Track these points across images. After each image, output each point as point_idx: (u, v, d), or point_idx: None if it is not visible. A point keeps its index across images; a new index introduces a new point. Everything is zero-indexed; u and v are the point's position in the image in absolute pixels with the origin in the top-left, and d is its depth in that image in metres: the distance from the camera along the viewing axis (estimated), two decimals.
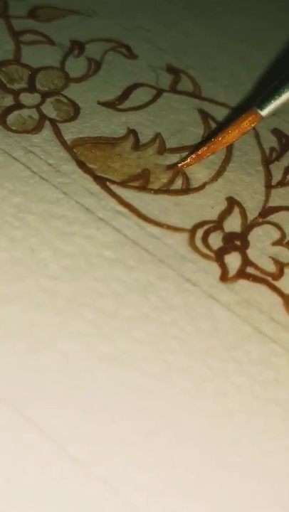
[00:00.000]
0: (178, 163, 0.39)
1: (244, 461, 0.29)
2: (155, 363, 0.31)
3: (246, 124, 0.38)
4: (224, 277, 0.34)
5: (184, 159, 0.39)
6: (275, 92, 0.37)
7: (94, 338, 0.31)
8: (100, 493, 0.28)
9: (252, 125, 0.38)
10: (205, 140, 0.40)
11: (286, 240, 0.36)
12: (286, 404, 0.31)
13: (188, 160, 0.38)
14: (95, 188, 0.37)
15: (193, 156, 0.38)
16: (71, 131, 0.39)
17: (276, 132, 0.41)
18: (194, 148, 0.39)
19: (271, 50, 0.46)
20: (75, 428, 0.29)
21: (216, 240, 0.36)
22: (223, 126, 0.40)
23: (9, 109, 0.39)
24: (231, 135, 0.38)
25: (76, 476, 0.28)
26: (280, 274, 0.35)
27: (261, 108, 0.37)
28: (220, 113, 0.42)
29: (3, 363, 0.30)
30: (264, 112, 0.37)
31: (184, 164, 0.38)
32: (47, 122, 0.39)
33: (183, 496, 0.28)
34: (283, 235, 0.37)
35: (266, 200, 0.38)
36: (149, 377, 0.31)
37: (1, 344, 0.30)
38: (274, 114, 0.38)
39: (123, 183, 0.37)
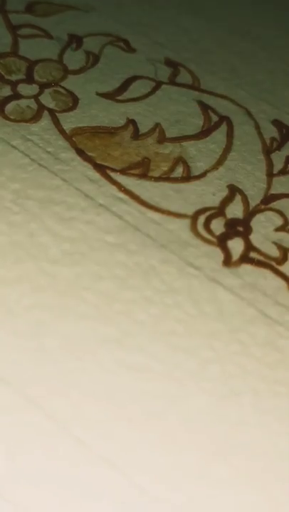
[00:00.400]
0: None
1: (250, 442, 0.29)
2: (158, 344, 0.30)
3: None
4: (227, 262, 0.34)
5: None
6: None
7: (96, 320, 0.31)
8: (105, 473, 0.27)
9: None
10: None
11: None
12: None
13: None
14: (95, 175, 0.36)
15: None
16: (70, 121, 0.38)
17: (276, 123, 0.41)
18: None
19: (270, 45, 0.46)
20: (78, 409, 0.28)
21: (218, 226, 0.35)
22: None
23: (7, 99, 0.39)
24: None
25: (80, 457, 0.27)
26: (283, 258, 0.34)
27: None
28: (220, 104, 0.41)
29: (3, 345, 0.29)
30: None
31: None
32: (45, 112, 0.38)
33: (188, 477, 0.27)
34: (286, 222, 0.36)
35: (268, 188, 0.37)
36: (152, 358, 0.30)
37: (2, 326, 0.30)
38: None
39: (123, 171, 0.37)
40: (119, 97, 0.40)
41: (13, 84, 0.39)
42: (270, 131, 0.41)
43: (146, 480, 0.27)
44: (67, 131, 0.38)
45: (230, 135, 0.40)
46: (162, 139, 0.39)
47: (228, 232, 0.35)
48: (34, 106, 0.39)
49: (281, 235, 0.35)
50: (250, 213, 0.36)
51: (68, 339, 0.30)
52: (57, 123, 0.38)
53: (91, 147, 0.37)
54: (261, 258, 0.34)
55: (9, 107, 0.38)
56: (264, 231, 0.35)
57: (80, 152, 0.37)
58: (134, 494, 0.27)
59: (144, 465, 0.27)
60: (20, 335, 0.30)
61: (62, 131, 0.38)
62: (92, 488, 0.26)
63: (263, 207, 0.37)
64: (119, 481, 0.27)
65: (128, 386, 0.29)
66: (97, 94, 0.40)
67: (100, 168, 0.36)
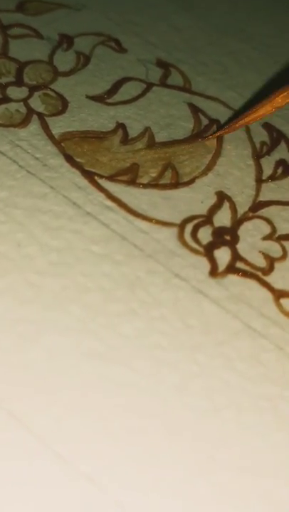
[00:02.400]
0: (209, 134, 0.39)
1: (233, 458, 0.29)
2: (143, 358, 0.31)
3: (280, 99, 0.37)
4: (213, 272, 0.34)
5: (214, 132, 0.39)
6: None
7: (81, 334, 0.31)
8: (86, 490, 0.27)
9: (286, 101, 0.37)
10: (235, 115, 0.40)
11: (276, 235, 0.36)
12: (276, 400, 0.30)
13: (221, 131, 0.39)
14: (83, 182, 0.36)
15: (226, 127, 0.39)
16: (59, 125, 0.38)
17: (267, 126, 0.41)
18: (227, 120, 0.40)
19: (262, 44, 0.45)
20: (60, 425, 0.28)
21: (205, 235, 0.35)
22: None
23: None
24: (264, 109, 0.37)
25: (61, 474, 0.27)
26: (270, 269, 0.34)
27: None
28: (210, 107, 0.41)
29: None
30: None
31: (214, 135, 0.39)
32: (34, 116, 0.38)
33: (170, 495, 0.28)
34: (274, 230, 0.36)
35: (257, 195, 0.37)
36: (136, 373, 0.30)
37: None
38: None
39: (111, 177, 0.37)
40: (109, 100, 0.40)
41: (3, 88, 0.39)
42: (261, 135, 0.40)
43: (127, 497, 0.27)
44: (56, 136, 0.38)
45: (220, 139, 0.39)
46: (152, 144, 0.39)
47: (215, 242, 0.35)
48: (23, 110, 0.38)
49: (268, 243, 0.35)
50: (237, 221, 0.36)
51: (52, 353, 0.30)
52: (46, 128, 0.38)
53: (80, 153, 0.37)
54: (247, 268, 0.34)
55: None
56: (251, 240, 0.35)
57: (69, 158, 0.37)
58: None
59: (126, 482, 0.28)
60: (3, 349, 0.30)
61: (51, 137, 0.38)
62: (72, 506, 0.27)
63: (250, 214, 0.37)
64: (99, 499, 0.27)
65: (111, 402, 0.29)
66: (87, 97, 0.40)
67: (88, 175, 0.36)
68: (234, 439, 0.29)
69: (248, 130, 0.40)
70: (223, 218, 0.36)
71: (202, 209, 0.36)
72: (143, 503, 0.27)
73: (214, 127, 0.40)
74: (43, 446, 0.28)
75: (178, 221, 0.35)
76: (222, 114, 0.41)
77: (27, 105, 0.39)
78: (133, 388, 0.30)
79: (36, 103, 0.39)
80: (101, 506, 0.27)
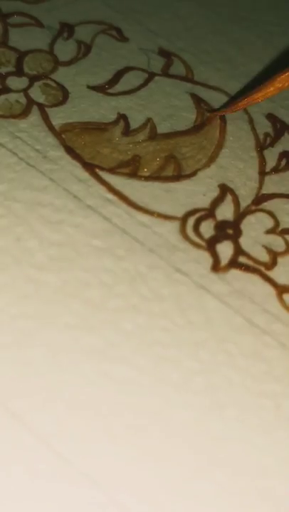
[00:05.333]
0: (214, 110, 0.39)
1: (235, 457, 0.29)
2: (144, 355, 0.30)
3: (285, 78, 0.37)
4: (216, 267, 0.33)
5: (218, 109, 0.39)
6: None
7: (81, 330, 0.30)
8: (86, 490, 0.27)
9: None
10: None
11: (280, 229, 0.35)
12: (278, 398, 0.30)
13: (225, 109, 0.39)
14: (84, 174, 0.36)
15: (231, 106, 0.38)
16: (59, 116, 0.38)
17: (270, 117, 0.40)
18: (230, 99, 0.40)
19: (265, 32, 0.45)
20: (60, 423, 0.28)
21: (207, 229, 0.35)
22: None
23: None
24: (269, 88, 0.37)
25: (61, 473, 0.27)
26: (273, 263, 0.34)
27: None
28: (213, 97, 0.41)
29: None
30: None
31: (219, 113, 0.39)
32: (34, 107, 0.38)
33: (171, 494, 0.27)
34: (277, 224, 0.36)
35: (260, 187, 0.37)
36: (137, 370, 0.30)
37: None
38: None
39: (112, 170, 0.36)
40: (111, 90, 0.40)
41: (2, 78, 0.39)
42: (264, 126, 0.40)
43: (128, 497, 0.27)
44: (56, 128, 0.37)
45: (222, 130, 0.39)
46: (153, 135, 0.38)
47: (217, 236, 0.35)
48: (23, 100, 0.38)
49: (271, 237, 0.35)
50: (240, 215, 0.36)
51: (52, 350, 0.30)
52: (46, 118, 0.37)
53: (80, 145, 0.37)
54: (250, 263, 0.34)
55: None
56: (254, 234, 0.35)
57: (69, 150, 0.36)
58: None
59: (126, 481, 0.27)
60: (1, 345, 0.29)
61: (51, 128, 0.37)
62: (71, 506, 0.26)
63: (254, 208, 0.36)
64: (99, 499, 0.27)
65: (112, 399, 0.29)
66: (88, 87, 0.40)
67: (89, 167, 0.36)
68: (236, 437, 0.29)
69: (251, 121, 0.40)
70: (225, 211, 0.36)
71: (204, 202, 0.36)
72: (143, 501, 0.27)
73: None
74: (42, 443, 0.27)
75: (180, 214, 0.35)
76: (225, 104, 0.40)
77: (27, 96, 0.38)
78: (134, 385, 0.29)
79: (36, 93, 0.38)
80: (101, 505, 0.27)
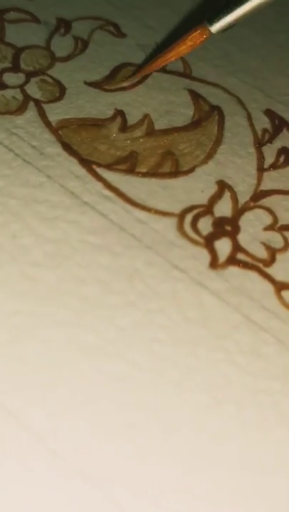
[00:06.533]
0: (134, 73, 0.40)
1: (233, 454, 0.28)
2: (141, 352, 0.30)
3: (195, 37, 0.37)
4: (214, 264, 0.33)
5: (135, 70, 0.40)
6: (226, 9, 0.37)
7: (77, 327, 0.30)
8: (81, 488, 0.26)
9: (200, 39, 0.37)
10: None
11: (278, 225, 0.35)
12: (277, 395, 0.30)
13: (143, 69, 0.39)
14: (81, 171, 0.35)
15: (147, 66, 0.39)
16: (56, 112, 0.37)
17: (269, 113, 0.40)
18: (143, 62, 0.40)
19: (264, 29, 0.44)
20: (55, 420, 0.28)
21: (205, 225, 0.34)
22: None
23: None
24: (180, 48, 0.38)
25: (56, 471, 0.27)
26: (271, 260, 0.34)
27: (211, 23, 0.37)
28: (210, 93, 0.40)
29: None
30: (214, 28, 0.37)
31: (138, 75, 0.39)
32: (31, 103, 0.37)
33: (168, 492, 0.27)
34: (275, 220, 0.35)
35: (258, 184, 0.37)
36: (134, 367, 0.29)
37: None
38: (224, 31, 0.37)
39: (109, 166, 0.36)
40: (108, 86, 0.39)
41: None
42: (263, 122, 0.40)
43: (124, 495, 0.27)
44: (53, 124, 0.37)
45: (221, 126, 0.39)
46: (151, 131, 0.38)
47: (215, 232, 0.34)
48: (19, 96, 0.38)
49: (270, 234, 0.35)
50: (238, 211, 0.35)
51: (47, 347, 0.29)
52: (43, 115, 0.37)
53: (77, 141, 0.36)
54: (248, 260, 0.34)
55: None
56: (252, 230, 0.35)
57: (66, 146, 0.36)
58: (110, 510, 0.26)
59: (122, 479, 0.27)
60: None
61: (48, 124, 0.37)
62: (66, 504, 0.26)
63: (252, 204, 0.36)
64: (95, 496, 0.26)
65: (107, 396, 0.29)
66: (85, 83, 0.39)
67: (86, 164, 0.36)
68: (234, 435, 0.29)
69: (249, 117, 0.40)
70: (223, 208, 0.35)
71: (202, 198, 0.35)
72: (140, 499, 0.27)
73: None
74: (38, 441, 0.27)
75: (177, 211, 0.35)
76: (224, 100, 0.40)
77: (24, 92, 0.38)
78: (131, 383, 0.29)
79: (33, 89, 0.38)
80: (97, 504, 0.26)
